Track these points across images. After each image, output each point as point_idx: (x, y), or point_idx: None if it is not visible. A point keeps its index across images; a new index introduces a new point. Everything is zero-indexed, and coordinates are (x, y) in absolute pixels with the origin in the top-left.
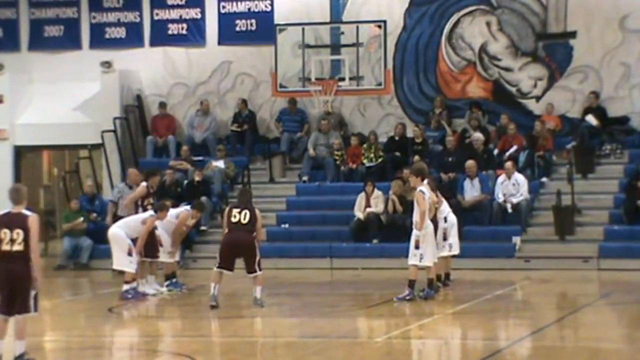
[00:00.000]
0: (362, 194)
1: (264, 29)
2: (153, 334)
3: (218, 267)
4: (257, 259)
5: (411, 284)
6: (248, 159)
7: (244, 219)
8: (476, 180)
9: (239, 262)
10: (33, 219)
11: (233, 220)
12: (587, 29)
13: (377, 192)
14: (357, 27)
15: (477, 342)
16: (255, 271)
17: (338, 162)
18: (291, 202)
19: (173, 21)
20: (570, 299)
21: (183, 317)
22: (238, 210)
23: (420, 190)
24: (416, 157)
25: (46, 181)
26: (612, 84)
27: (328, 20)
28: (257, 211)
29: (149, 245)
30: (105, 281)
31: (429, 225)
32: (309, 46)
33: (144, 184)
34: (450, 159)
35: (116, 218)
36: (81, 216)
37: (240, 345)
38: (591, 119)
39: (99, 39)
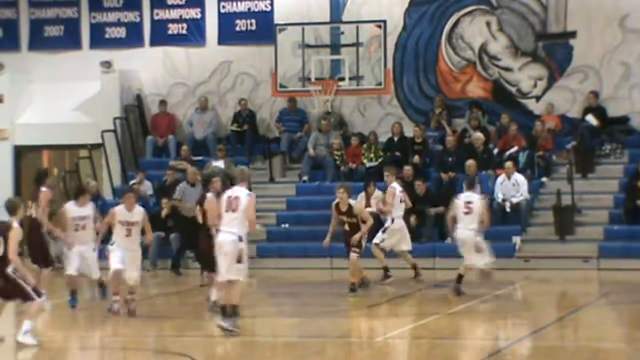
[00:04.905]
0: (363, 194)
1: (264, 29)
2: (153, 334)
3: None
4: None
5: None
6: (248, 159)
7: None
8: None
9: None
10: (14, 232)
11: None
12: (587, 29)
13: (378, 192)
14: (357, 27)
15: (477, 342)
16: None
17: (338, 162)
18: (291, 202)
19: (173, 21)
20: (570, 299)
21: (183, 317)
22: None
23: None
24: (416, 157)
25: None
26: (612, 84)
27: (328, 20)
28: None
29: None
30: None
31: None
32: (309, 46)
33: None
34: (450, 159)
35: (177, 216)
36: None
37: (240, 345)
38: (591, 119)
39: (99, 39)
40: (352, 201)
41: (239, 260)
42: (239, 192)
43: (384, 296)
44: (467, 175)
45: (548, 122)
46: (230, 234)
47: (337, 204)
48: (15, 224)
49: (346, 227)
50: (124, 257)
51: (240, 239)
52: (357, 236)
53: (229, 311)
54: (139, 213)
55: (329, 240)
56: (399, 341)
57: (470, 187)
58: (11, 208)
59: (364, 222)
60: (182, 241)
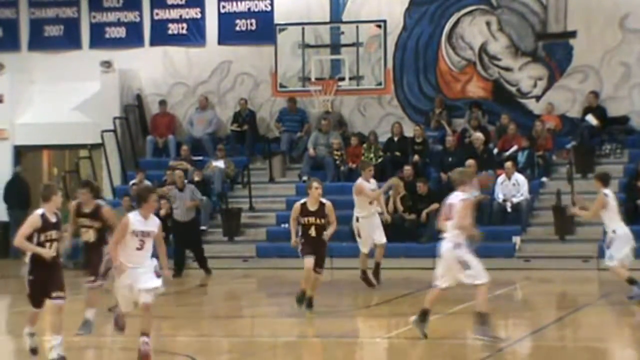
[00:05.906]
0: None
1: (264, 29)
2: (153, 334)
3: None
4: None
5: None
6: (248, 159)
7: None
8: (476, 180)
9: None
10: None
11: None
12: (587, 29)
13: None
14: (357, 27)
15: (477, 342)
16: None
17: (338, 162)
18: (291, 202)
19: (173, 21)
20: (570, 299)
21: (183, 317)
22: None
23: None
24: (416, 157)
25: (46, 181)
26: (612, 83)
27: (328, 20)
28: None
29: None
30: None
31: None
32: (309, 46)
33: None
34: (450, 159)
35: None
36: None
37: (240, 345)
38: (591, 119)
39: (99, 39)
40: (324, 200)
41: (466, 267)
42: (455, 197)
43: (384, 296)
44: (602, 171)
45: (548, 122)
46: (446, 241)
47: (304, 204)
48: (38, 211)
49: (312, 231)
50: (134, 280)
51: (456, 247)
52: (329, 232)
53: (477, 319)
54: (154, 222)
55: (297, 241)
56: (399, 341)
57: (608, 183)
58: (42, 195)
59: (330, 223)
60: (175, 243)
